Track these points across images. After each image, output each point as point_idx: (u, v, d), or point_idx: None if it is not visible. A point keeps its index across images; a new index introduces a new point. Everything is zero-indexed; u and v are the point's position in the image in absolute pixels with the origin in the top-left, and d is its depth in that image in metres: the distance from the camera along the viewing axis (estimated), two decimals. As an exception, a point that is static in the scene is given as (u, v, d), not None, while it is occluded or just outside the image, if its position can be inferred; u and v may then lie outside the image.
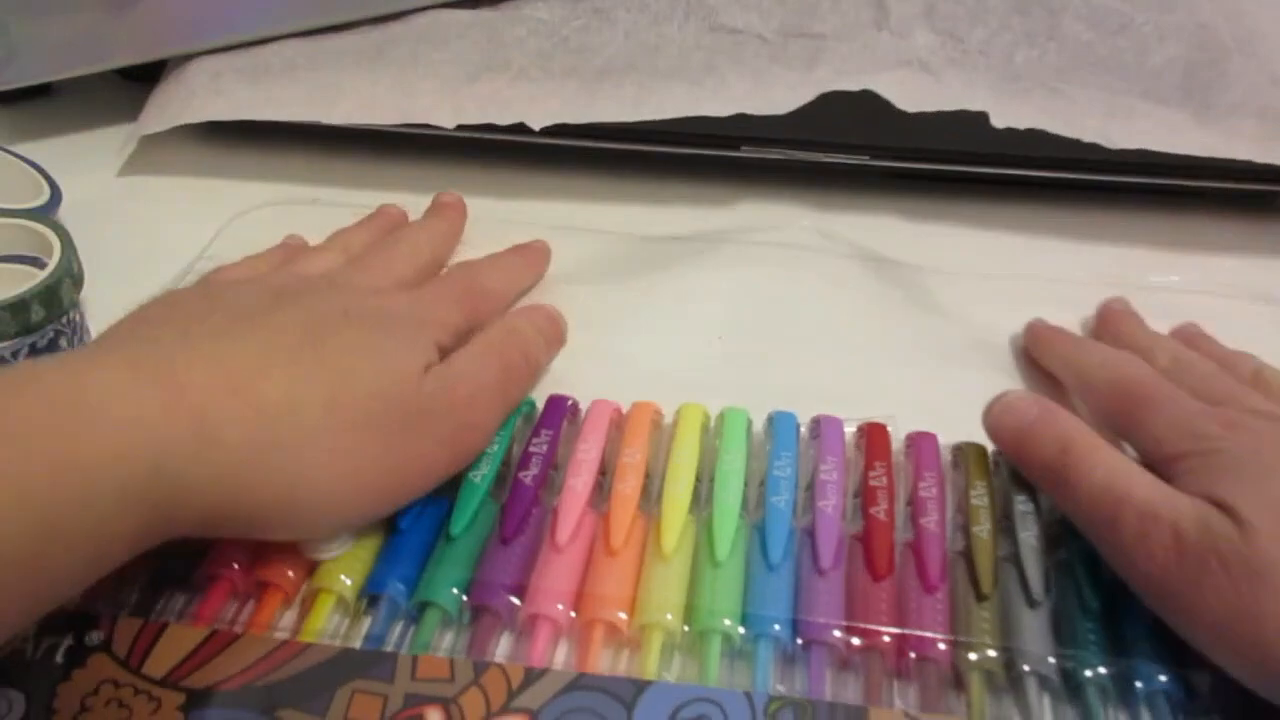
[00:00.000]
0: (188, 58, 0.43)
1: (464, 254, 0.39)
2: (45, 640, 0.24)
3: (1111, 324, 0.37)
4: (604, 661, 0.26)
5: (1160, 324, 0.36)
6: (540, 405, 0.32)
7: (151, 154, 0.44)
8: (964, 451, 0.31)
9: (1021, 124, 0.37)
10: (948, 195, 0.43)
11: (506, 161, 0.43)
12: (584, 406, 0.32)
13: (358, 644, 0.26)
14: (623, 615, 0.26)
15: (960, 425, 0.31)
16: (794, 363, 0.36)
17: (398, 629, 0.27)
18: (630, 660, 0.26)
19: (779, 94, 0.38)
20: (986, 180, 0.41)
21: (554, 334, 0.36)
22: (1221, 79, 0.38)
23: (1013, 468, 0.30)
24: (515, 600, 0.27)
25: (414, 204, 0.40)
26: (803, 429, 0.32)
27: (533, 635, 0.26)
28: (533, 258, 0.39)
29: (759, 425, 0.32)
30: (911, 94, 0.37)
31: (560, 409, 0.32)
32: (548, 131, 0.39)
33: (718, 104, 0.38)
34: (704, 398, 0.32)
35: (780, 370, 0.36)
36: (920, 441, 0.31)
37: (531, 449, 0.30)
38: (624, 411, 0.32)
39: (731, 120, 0.38)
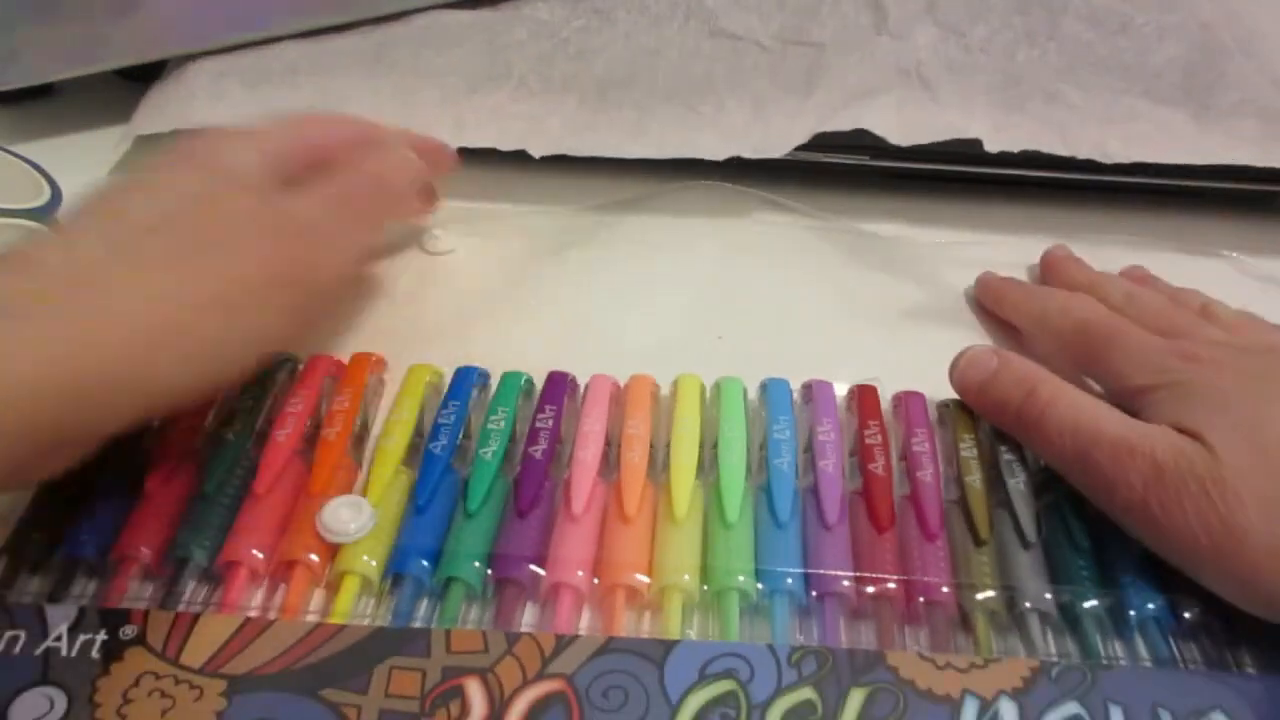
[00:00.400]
0: (188, 58, 0.42)
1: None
2: (79, 637, 0.24)
3: (1058, 269, 0.38)
4: (627, 624, 0.27)
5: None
6: (538, 383, 0.33)
7: (150, 153, 0.42)
8: (950, 408, 0.32)
9: (1015, 147, 0.38)
10: (947, 195, 0.43)
11: (506, 160, 0.42)
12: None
13: (385, 623, 0.26)
14: (642, 578, 0.27)
15: (941, 384, 0.33)
16: (771, 333, 0.37)
17: (423, 606, 0.27)
18: (652, 622, 0.27)
19: (776, 127, 0.38)
20: (986, 180, 0.41)
21: (416, 169, 0.35)
22: (1221, 80, 0.39)
23: (997, 420, 0.31)
24: (537, 570, 0.27)
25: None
26: (795, 394, 0.33)
27: (556, 604, 0.27)
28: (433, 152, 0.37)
29: (752, 393, 0.33)
30: (905, 125, 0.38)
31: (561, 385, 0.32)
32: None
33: (714, 141, 0.38)
34: (684, 370, 0.33)
35: (758, 341, 0.37)
36: (908, 400, 0.32)
37: (538, 425, 0.31)
38: (620, 386, 0.33)
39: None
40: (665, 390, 0.33)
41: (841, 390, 0.33)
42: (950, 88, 0.39)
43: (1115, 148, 0.38)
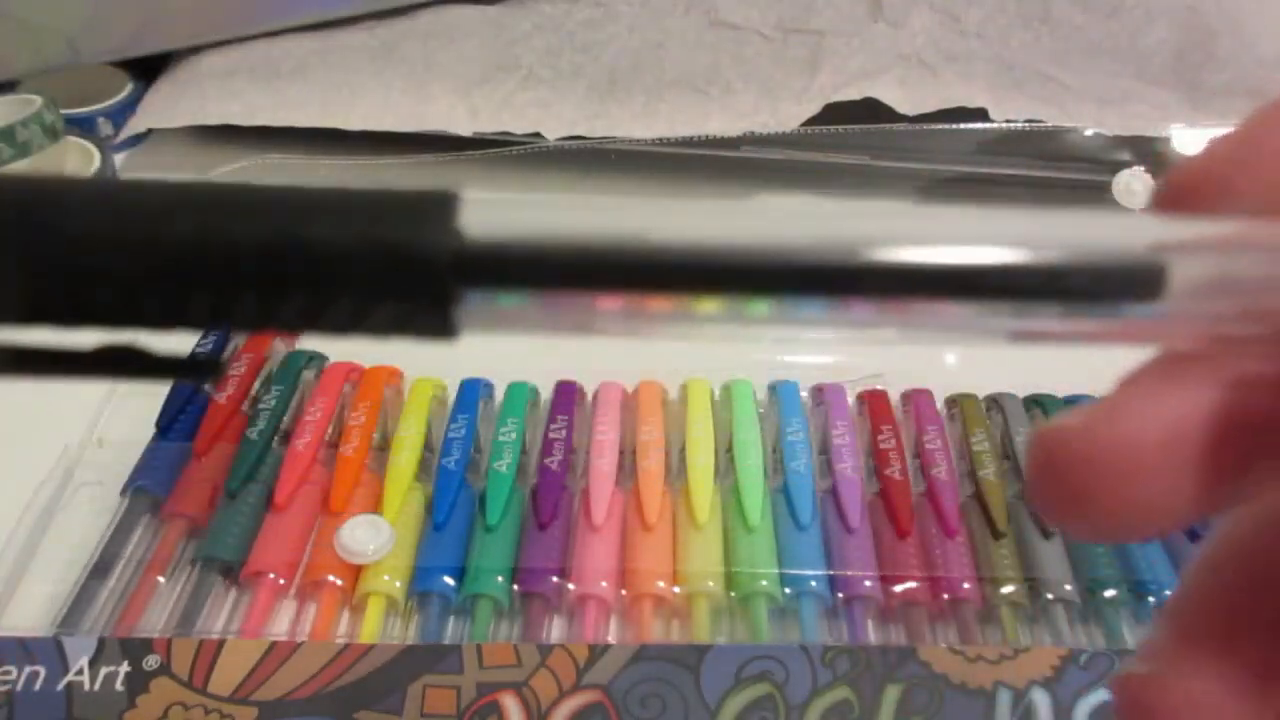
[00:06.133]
0: (194, 50, 0.42)
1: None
2: (101, 670, 0.23)
3: None
4: (655, 632, 0.27)
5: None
6: (544, 393, 0.33)
7: (155, 147, 0.43)
8: (959, 403, 0.33)
9: (1020, 116, 0.39)
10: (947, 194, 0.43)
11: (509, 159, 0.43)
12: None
13: (413, 642, 0.26)
14: (672, 587, 0.27)
15: (947, 376, 0.33)
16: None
17: (450, 623, 0.27)
18: (681, 629, 0.27)
19: (784, 107, 0.39)
20: (985, 180, 0.42)
21: None
22: (1211, 61, 0.40)
23: (1009, 410, 0.32)
24: (562, 583, 0.27)
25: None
26: (804, 395, 0.33)
27: (583, 615, 0.27)
28: None
29: (758, 394, 0.33)
30: (911, 95, 0.39)
31: (571, 394, 0.32)
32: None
33: (726, 119, 0.39)
34: (659, 370, 0.33)
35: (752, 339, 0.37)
36: (917, 398, 0.33)
37: (551, 435, 0.31)
38: (628, 391, 0.33)
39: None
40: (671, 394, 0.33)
41: (850, 395, 0.33)
42: (949, 71, 0.40)
43: (1114, 123, 0.39)
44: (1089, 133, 0.39)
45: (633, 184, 0.43)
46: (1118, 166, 0.39)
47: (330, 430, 0.30)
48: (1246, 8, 0.40)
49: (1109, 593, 0.27)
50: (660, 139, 0.39)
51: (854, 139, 0.39)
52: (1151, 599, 0.27)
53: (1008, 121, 0.38)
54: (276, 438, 0.30)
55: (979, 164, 0.41)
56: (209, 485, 0.28)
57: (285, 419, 0.31)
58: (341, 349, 0.33)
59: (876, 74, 0.39)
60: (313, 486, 0.29)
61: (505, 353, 0.35)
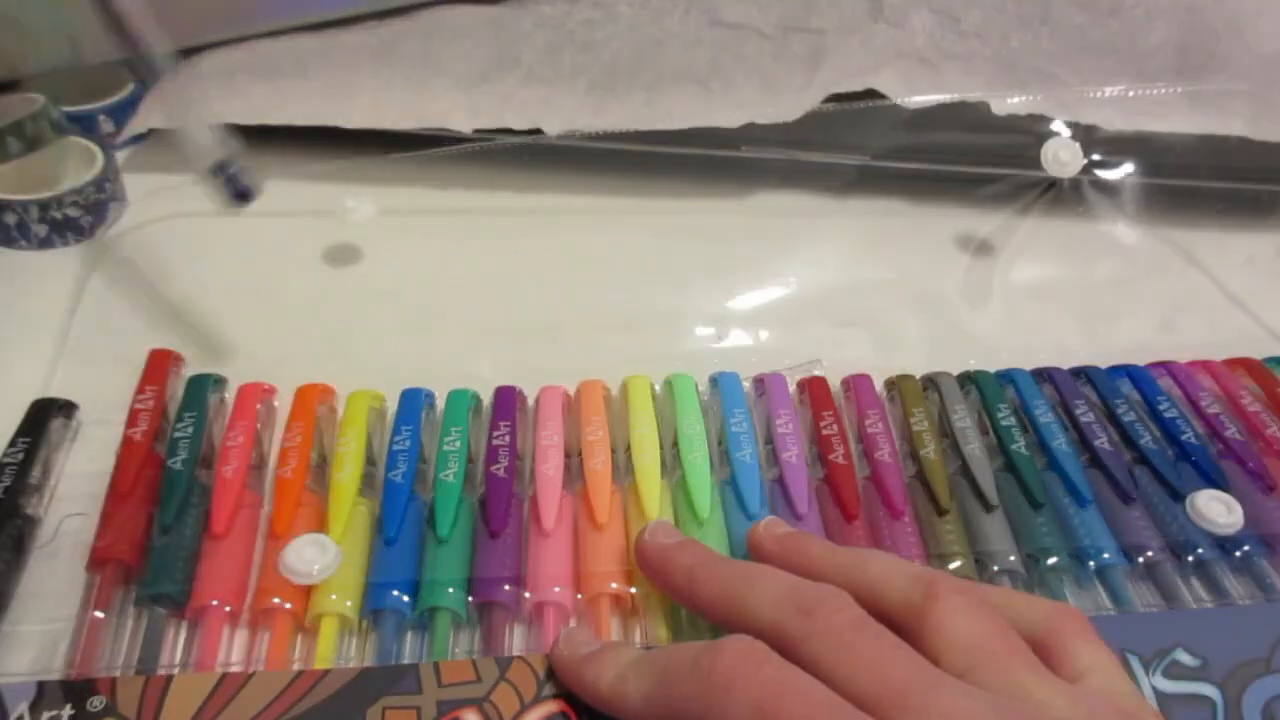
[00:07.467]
0: (195, 50, 0.42)
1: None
2: (43, 714, 0.22)
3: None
4: (616, 631, 0.27)
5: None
6: (484, 399, 0.32)
7: (156, 147, 0.43)
8: (897, 384, 0.33)
9: (1021, 110, 0.39)
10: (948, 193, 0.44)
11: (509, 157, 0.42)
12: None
13: (370, 662, 0.25)
14: (628, 587, 0.27)
15: (882, 358, 0.34)
16: (688, 322, 0.38)
17: (408, 639, 0.26)
18: (645, 629, 0.27)
19: (786, 99, 0.39)
20: (985, 180, 0.43)
21: None
22: (1211, 61, 0.41)
23: (945, 389, 0.32)
24: (518, 590, 0.27)
25: (423, 198, 0.42)
26: (746, 386, 0.33)
27: (542, 622, 0.27)
28: None
29: (700, 388, 0.33)
30: (911, 87, 0.39)
31: (511, 400, 0.32)
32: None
33: (727, 112, 0.39)
34: (594, 368, 0.34)
35: (682, 332, 0.38)
36: (857, 383, 0.33)
37: (495, 442, 0.30)
38: (570, 394, 0.33)
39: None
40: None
41: (791, 383, 0.33)
42: (950, 71, 0.40)
43: (1115, 119, 0.40)
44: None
45: (633, 184, 0.43)
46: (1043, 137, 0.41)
47: (254, 455, 0.30)
48: (1246, 8, 0.42)
49: (1050, 560, 0.28)
50: (660, 131, 0.40)
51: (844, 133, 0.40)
52: (1091, 563, 0.28)
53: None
54: (198, 466, 0.29)
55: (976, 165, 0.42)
56: (139, 523, 0.27)
57: (203, 445, 0.30)
58: (242, 371, 0.33)
59: (876, 72, 0.39)
60: (250, 511, 0.28)
61: (440, 360, 0.35)
